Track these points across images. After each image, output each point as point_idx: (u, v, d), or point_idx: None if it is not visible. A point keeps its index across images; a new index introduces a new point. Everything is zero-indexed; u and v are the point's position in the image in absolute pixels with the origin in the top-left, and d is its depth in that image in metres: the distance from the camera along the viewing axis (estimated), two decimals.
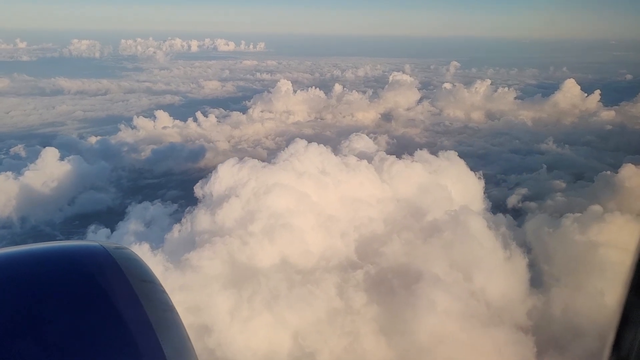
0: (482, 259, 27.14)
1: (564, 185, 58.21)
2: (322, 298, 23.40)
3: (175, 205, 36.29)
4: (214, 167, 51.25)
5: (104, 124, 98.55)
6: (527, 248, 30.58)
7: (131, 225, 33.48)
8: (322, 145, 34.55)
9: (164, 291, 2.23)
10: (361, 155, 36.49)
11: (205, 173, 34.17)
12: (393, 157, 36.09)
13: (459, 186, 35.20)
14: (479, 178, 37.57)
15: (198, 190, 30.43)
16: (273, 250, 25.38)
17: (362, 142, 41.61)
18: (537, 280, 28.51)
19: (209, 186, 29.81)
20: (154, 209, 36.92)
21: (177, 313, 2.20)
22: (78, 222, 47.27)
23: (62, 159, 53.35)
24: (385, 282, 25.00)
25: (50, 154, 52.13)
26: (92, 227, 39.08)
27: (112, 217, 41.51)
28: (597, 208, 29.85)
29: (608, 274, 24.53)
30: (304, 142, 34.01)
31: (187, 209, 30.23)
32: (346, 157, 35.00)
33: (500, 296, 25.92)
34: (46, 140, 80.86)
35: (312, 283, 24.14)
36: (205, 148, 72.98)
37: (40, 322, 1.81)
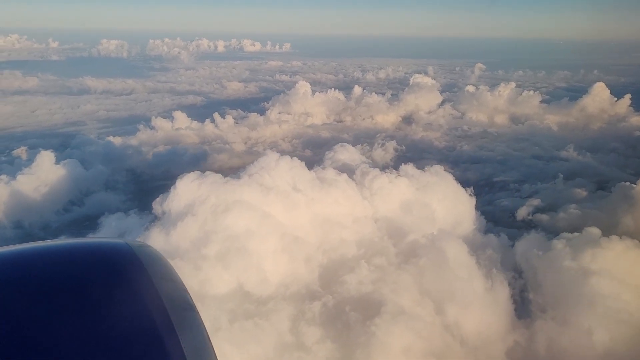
0: (458, 289, 24.77)
1: (584, 194, 55.52)
2: (272, 332, 21.30)
3: (153, 216, 35.13)
4: (227, 170, 50.17)
5: (125, 124, 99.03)
6: (518, 272, 28.35)
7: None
8: (295, 158, 32.13)
9: (185, 290, 2.28)
10: (344, 168, 34.16)
11: None
12: (376, 171, 33.67)
13: (446, 204, 32.85)
14: (470, 195, 34.95)
15: (157, 206, 28.34)
16: (226, 277, 23.19)
17: (347, 154, 38.96)
18: (523, 311, 26.27)
19: (168, 202, 27.61)
20: (129, 220, 35.06)
21: (197, 313, 2.23)
22: (88, 223, 47.04)
23: (61, 162, 52.81)
24: (344, 314, 22.72)
25: (45, 157, 51.70)
26: (62, 238, 37.91)
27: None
28: (594, 230, 27.29)
29: (598, 308, 22.45)
30: (275, 155, 31.65)
31: (145, 225, 28.67)
32: (324, 170, 32.66)
33: (477, 332, 23.58)
34: (65, 140, 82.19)
35: (264, 314, 22.05)
36: (207, 152, 72.31)
37: (64, 317, 1.87)
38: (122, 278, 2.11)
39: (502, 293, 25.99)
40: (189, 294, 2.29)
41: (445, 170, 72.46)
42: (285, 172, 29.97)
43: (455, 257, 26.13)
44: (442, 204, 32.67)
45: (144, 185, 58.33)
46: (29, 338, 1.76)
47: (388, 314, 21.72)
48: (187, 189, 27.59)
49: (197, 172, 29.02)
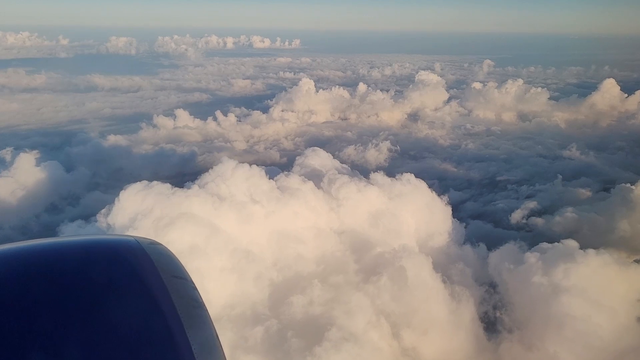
0: (419, 310, 22.81)
1: (588, 194, 54.00)
2: None
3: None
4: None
5: (129, 122, 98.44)
6: (493, 287, 26.36)
7: None
8: (254, 166, 29.81)
9: (194, 288, 2.29)
10: (312, 174, 32.06)
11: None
12: (345, 178, 31.16)
13: (419, 215, 30.74)
14: (446, 204, 32.84)
15: (101, 218, 26.56)
16: None
17: (318, 159, 35.79)
18: (494, 330, 24.46)
19: (112, 214, 25.66)
20: (88, 228, 31.47)
21: (206, 310, 2.24)
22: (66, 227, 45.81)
23: (41, 163, 51.67)
24: (287, 341, 20.63)
25: (25, 159, 50.94)
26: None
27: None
28: (571, 243, 25.20)
29: (566, 331, 20.68)
30: (232, 163, 29.29)
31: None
32: (288, 178, 30.18)
33: (438, 357, 21.77)
34: (67, 139, 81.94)
35: None
36: (196, 153, 71.36)
37: (74, 312, 1.90)
38: (131, 275, 2.13)
39: (467, 314, 24.11)
40: (197, 291, 2.28)
41: (448, 168, 72.32)
42: (241, 181, 27.94)
43: (419, 275, 24.20)
44: (415, 215, 30.70)
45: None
46: (38, 332, 1.78)
47: (330, 341, 19.89)
48: (131, 200, 25.87)
49: (144, 182, 27.21)
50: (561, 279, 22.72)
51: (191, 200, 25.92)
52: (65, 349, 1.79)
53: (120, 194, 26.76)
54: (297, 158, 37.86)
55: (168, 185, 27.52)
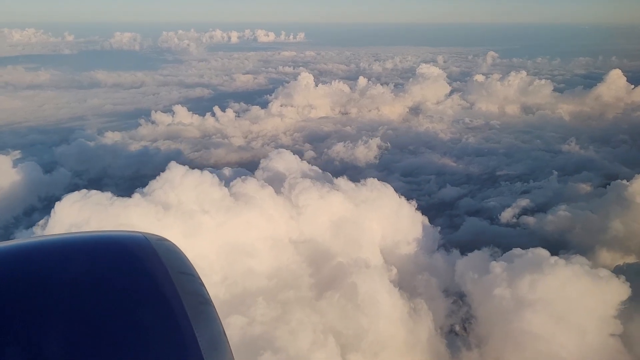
0: (374, 328, 21.10)
1: (587, 189, 52.64)
2: None
3: None
4: (223, 165, 47.34)
5: (130, 118, 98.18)
6: (461, 297, 24.80)
7: None
8: (206, 172, 27.98)
9: (201, 284, 2.29)
10: (276, 178, 30.34)
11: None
12: (306, 183, 29.08)
13: (385, 222, 28.98)
14: (416, 209, 31.15)
15: (38, 231, 25.58)
16: None
17: (283, 162, 33.43)
18: (455, 346, 22.82)
19: (48, 228, 24.07)
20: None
21: (213, 307, 2.24)
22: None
23: (16, 166, 50.67)
24: None
25: (1, 161, 49.57)
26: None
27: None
28: (541, 252, 23.30)
29: (527, 351, 19.20)
30: (181, 169, 27.37)
31: None
32: (245, 184, 27.99)
33: None
34: (66, 136, 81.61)
35: None
36: (180, 152, 70.41)
37: (81, 308, 1.90)
38: (139, 270, 2.13)
39: (426, 330, 22.52)
40: (205, 288, 2.28)
41: (447, 163, 70.97)
42: (190, 189, 26.14)
43: (376, 290, 22.60)
44: (381, 223, 28.98)
45: (111, 189, 56.92)
46: (45, 328, 1.77)
47: None
48: (67, 212, 24.50)
49: (84, 191, 25.89)
50: (526, 292, 21.17)
51: (131, 211, 24.50)
52: (73, 344, 1.78)
53: (56, 205, 25.47)
54: (261, 160, 35.60)
55: (108, 194, 26.21)
